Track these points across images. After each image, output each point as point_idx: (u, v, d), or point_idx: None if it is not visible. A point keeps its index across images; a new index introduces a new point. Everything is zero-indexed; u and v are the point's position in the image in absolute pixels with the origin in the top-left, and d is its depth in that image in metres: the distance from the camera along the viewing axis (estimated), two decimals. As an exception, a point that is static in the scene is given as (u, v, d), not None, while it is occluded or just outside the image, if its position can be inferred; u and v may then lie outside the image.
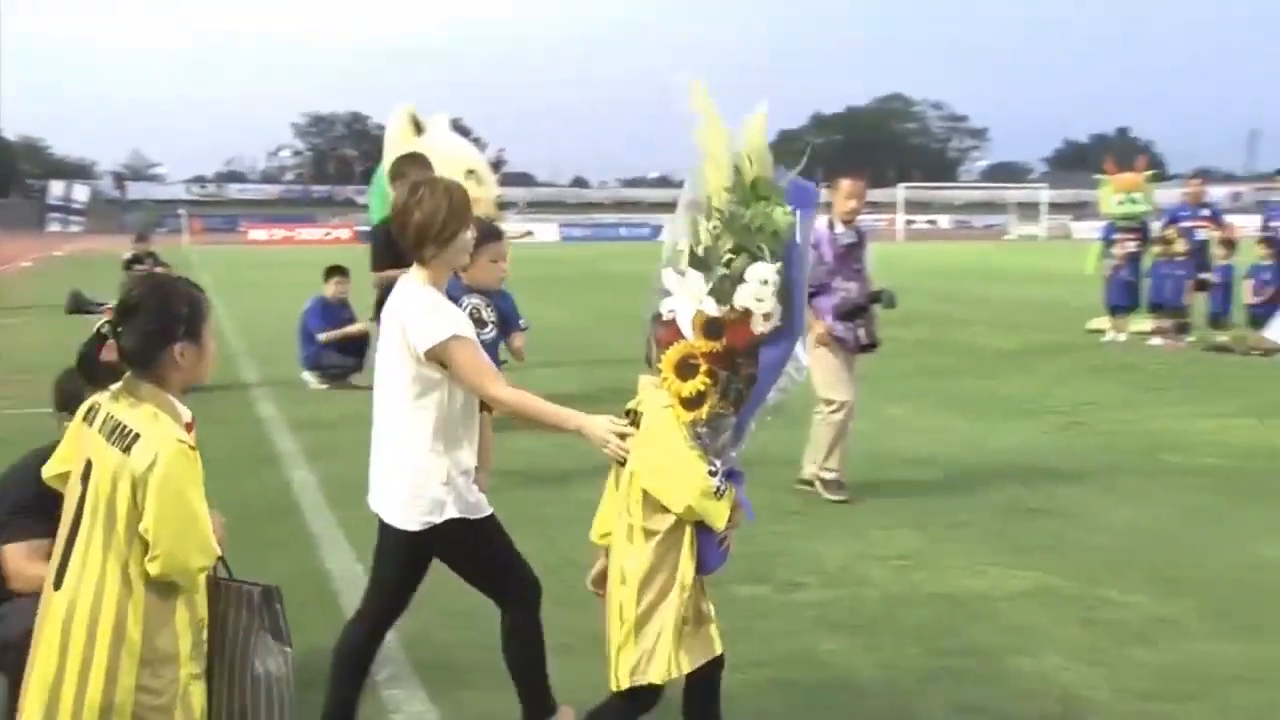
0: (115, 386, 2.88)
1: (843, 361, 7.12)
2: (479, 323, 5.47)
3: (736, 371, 3.27)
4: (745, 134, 3.36)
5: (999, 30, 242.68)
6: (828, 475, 7.05)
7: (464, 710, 4.18)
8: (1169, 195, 19.89)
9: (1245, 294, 14.80)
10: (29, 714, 2.78)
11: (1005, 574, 5.68)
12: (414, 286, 3.61)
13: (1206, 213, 15.32)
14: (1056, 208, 69.95)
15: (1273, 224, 14.89)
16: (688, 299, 3.25)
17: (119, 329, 2.87)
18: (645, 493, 3.26)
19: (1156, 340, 14.97)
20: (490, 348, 5.22)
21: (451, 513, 3.56)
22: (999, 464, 8.06)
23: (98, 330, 2.94)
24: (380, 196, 9.61)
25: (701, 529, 3.28)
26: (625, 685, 3.25)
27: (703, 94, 3.35)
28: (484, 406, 3.85)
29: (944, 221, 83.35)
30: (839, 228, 7.11)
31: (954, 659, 4.65)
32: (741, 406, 3.31)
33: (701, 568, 3.30)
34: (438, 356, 3.48)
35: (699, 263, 3.27)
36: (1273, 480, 7.63)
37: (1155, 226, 15.76)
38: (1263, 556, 5.98)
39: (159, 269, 12.41)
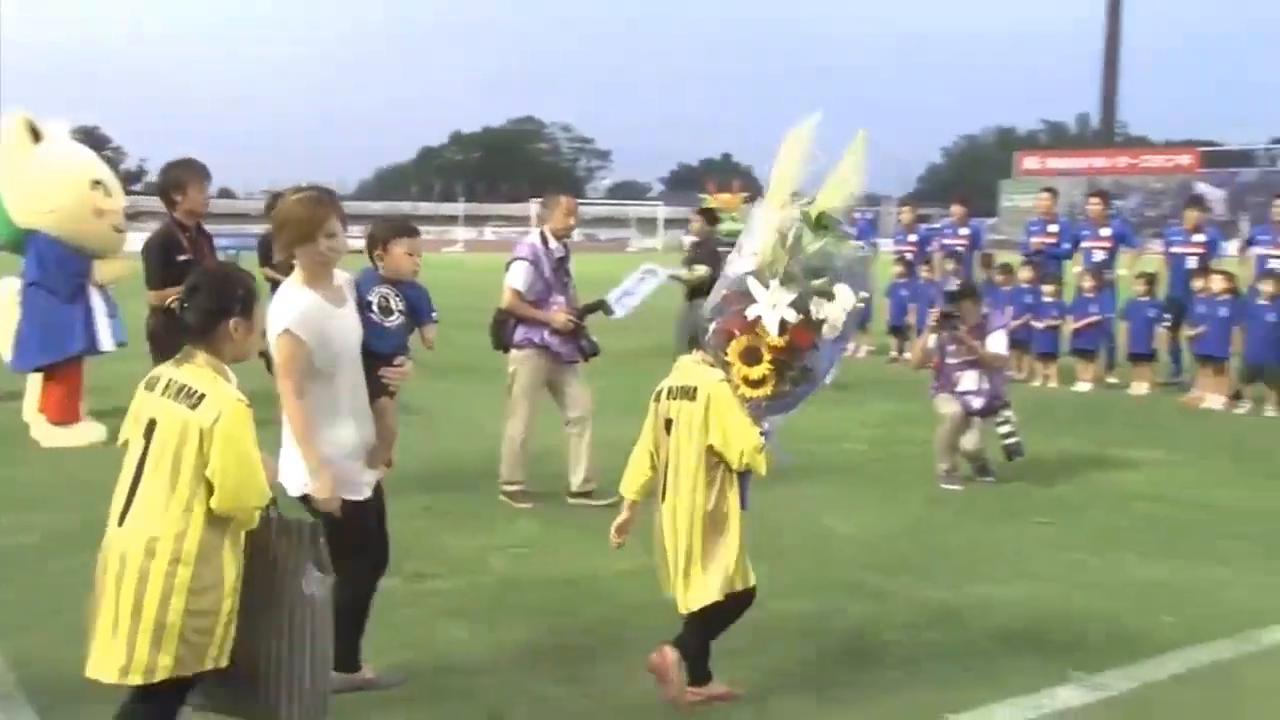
0: (177, 356, 3.20)
1: (547, 375, 7.01)
2: (385, 310, 5.41)
3: (792, 363, 3.95)
4: (829, 179, 4.01)
5: (621, 61, 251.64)
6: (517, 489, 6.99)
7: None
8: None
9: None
10: (100, 634, 3.06)
11: (615, 555, 5.93)
12: (286, 283, 3.96)
13: (789, 230, 16.58)
14: (672, 223, 73.16)
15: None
16: (770, 305, 3.89)
17: (185, 305, 3.23)
18: (708, 448, 3.90)
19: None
20: (397, 334, 5.19)
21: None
22: (615, 456, 8.37)
23: (166, 306, 3.39)
24: (-1, 208, 8.68)
25: (742, 475, 3.99)
26: (706, 602, 3.95)
27: (807, 133, 4.02)
28: (389, 391, 4.19)
29: (574, 234, 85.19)
30: (553, 243, 7.03)
31: (566, 636, 4.85)
32: (797, 388, 4.04)
33: (741, 505, 4.02)
34: (276, 346, 3.75)
35: (786, 278, 3.90)
36: (837, 461, 8.39)
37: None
38: (826, 527, 6.58)
39: None
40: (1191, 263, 12.15)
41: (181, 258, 6.39)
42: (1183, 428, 10.15)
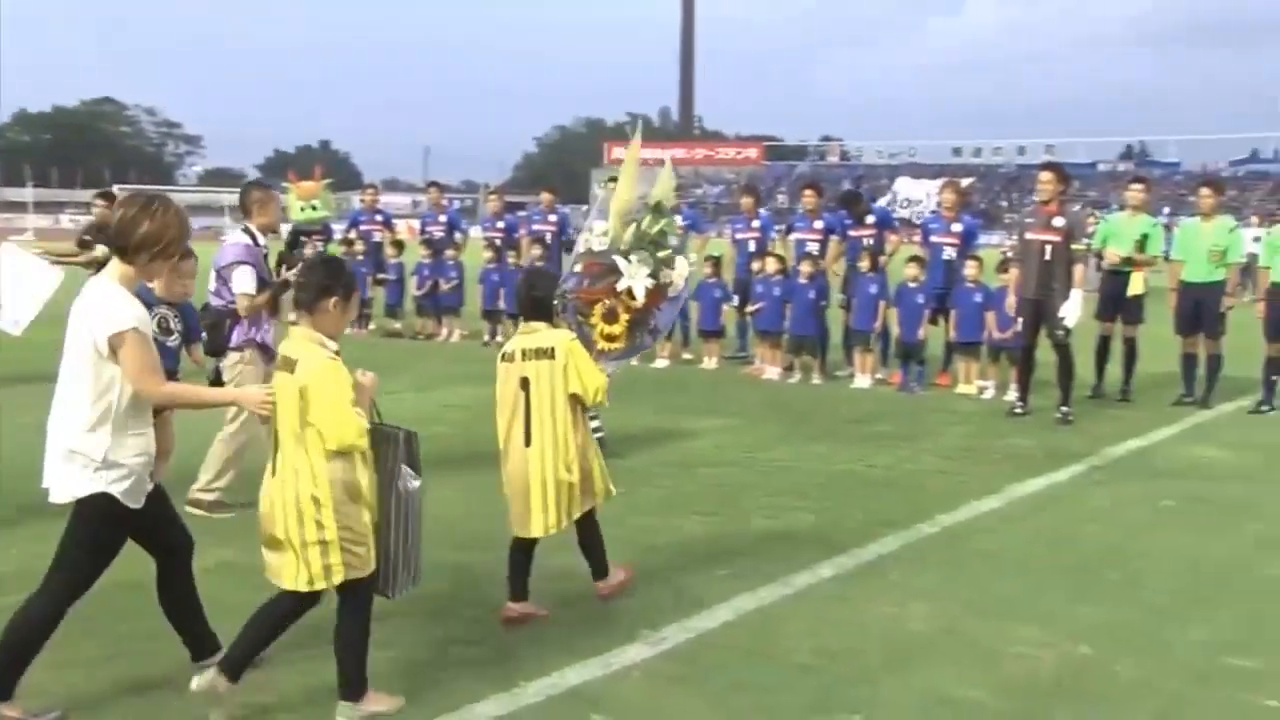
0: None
1: (264, 375, 6.47)
2: (166, 331, 5.71)
3: (643, 320, 5.02)
4: (659, 179, 5.23)
5: (210, 46, 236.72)
6: (209, 496, 6.58)
7: None
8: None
9: (412, 287, 15.95)
10: (282, 557, 3.83)
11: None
12: (109, 284, 3.86)
13: (379, 218, 16.30)
14: (269, 210, 70.13)
15: (429, 228, 16.19)
16: (632, 276, 4.92)
17: (300, 282, 3.93)
18: (571, 396, 4.68)
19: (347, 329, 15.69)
20: (173, 353, 5.25)
21: (99, 487, 3.79)
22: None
23: (285, 279, 4.28)
24: None
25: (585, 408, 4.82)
26: (597, 503, 4.98)
27: (635, 148, 5.32)
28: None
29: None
30: (261, 240, 6.73)
31: (131, 643, 4.50)
32: (642, 340, 5.09)
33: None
34: (114, 345, 3.73)
35: (639, 253, 4.94)
36: (424, 446, 8.32)
37: (339, 228, 16.45)
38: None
39: None
40: (752, 246, 13.19)
41: None
42: (745, 397, 11.01)
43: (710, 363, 12.97)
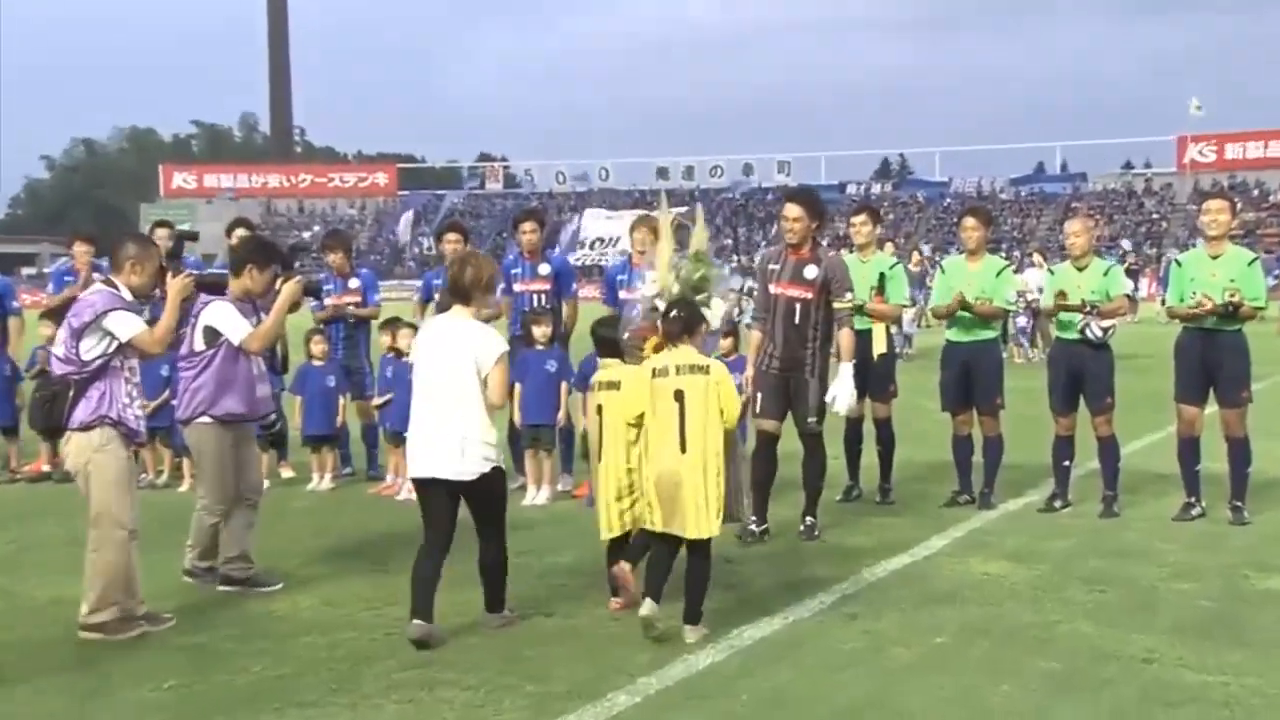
0: (667, 353, 7.72)
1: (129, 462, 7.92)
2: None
3: None
4: (694, 232, 8.77)
5: None
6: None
7: None
8: None
9: None
10: (693, 514, 7.40)
11: None
12: (471, 321, 7.69)
13: None
14: None
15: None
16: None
17: (673, 314, 7.79)
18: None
19: None
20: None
21: (495, 463, 7.66)
22: None
23: (659, 314, 8.04)
24: None
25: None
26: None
27: (667, 214, 9.02)
28: None
29: None
30: (129, 298, 7.81)
31: None
32: None
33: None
34: (490, 364, 7.51)
35: (678, 297, 8.23)
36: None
37: None
38: None
39: None
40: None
41: None
42: (369, 528, 10.91)
43: (321, 481, 12.84)
